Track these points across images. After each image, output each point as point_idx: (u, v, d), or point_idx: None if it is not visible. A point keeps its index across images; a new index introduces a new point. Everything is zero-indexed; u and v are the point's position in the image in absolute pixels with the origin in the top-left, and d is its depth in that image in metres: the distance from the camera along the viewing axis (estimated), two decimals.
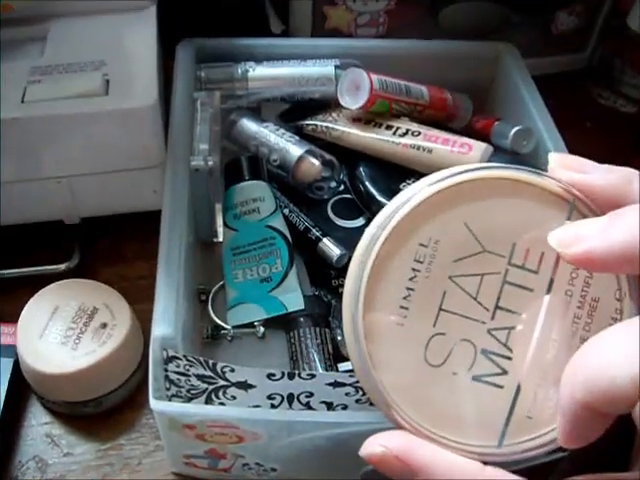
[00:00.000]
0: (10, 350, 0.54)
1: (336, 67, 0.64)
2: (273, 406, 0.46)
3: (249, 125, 0.64)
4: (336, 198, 0.63)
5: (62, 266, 0.60)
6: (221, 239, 0.59)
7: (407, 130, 0.61)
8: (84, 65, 0.57)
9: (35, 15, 0.61)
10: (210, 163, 0.56)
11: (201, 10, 0.67)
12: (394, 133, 0.61)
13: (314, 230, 0.59)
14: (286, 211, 0.61)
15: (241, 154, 0.64)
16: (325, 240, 0.58)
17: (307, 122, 0.65)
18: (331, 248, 0.58)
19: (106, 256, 0.63)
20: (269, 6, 0.72)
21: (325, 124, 0.63)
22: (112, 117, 0.54)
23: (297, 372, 0.45)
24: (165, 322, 0.47)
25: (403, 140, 0.60)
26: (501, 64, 0.69)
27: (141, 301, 0.56)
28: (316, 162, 0.60)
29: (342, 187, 0.64)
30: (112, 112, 0.54)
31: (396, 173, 0.61)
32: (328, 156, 0.61)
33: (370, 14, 0.72)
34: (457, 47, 0.69)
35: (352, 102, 0.61)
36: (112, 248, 0.63)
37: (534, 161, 0.61)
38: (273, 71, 0.65)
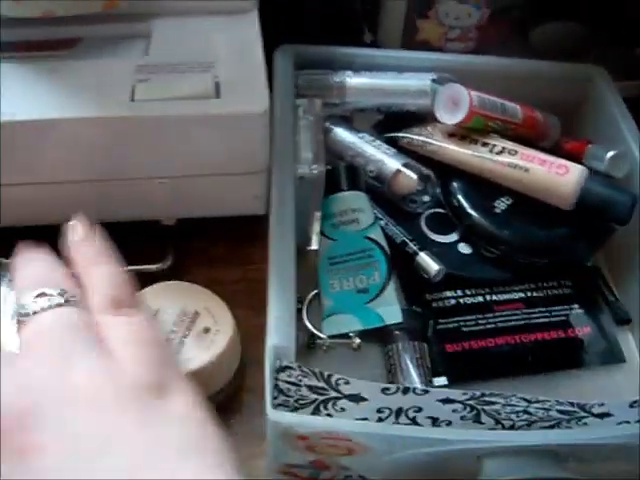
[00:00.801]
0: None
1: (433, 81, 0.63)
2: (380, 419, 0.45)
3: (344, 134, 0.63)
4: (430, 212, 0.62)
5: (155, 267, 0.59)
6: (315, 247, 0.58)
7: (503, 148, 0.60)
8: (192, 66, 0.56)
9: (138, 13, 0.60)
10: (315, 171, 0.55)
11: (296, 17, 0.66)
12: (490, 150, 0.60)
13: (411, 244, 0.58)
14: (382, 223, 0.60)
15: (335, 163, 0.63)
16: (422, 254, 0.57)
17: (402, 134, 0.64)
18: (428, 263, 0.57)
19: (199, 259, 0.62)
20: (361, 15, 0.71)
21: (420, 137, 0.63)
22: (222, 121, 0.53)
23: (412, 387, 0.44)
24: (280, 331, 0.46)
25: (500, 158, 0.59)
26: (592, 86, 0.68)
27: (235, 306, 0.55)
28: (413, 175, 0.59)
29: (436, 201, 0.62)
30: (223, 116, 0.53)
31: (489, 189, 0.60)
32: (425, 170, 0.60)
33: (461, 29, 0.71)
34: (549, 67, 0.68)
35: (449, 117, 0.60)
36: (205, 251, 0.62)
37: (629, 184, 0.60)
38: (370, 81, 0.64)
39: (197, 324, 0.52)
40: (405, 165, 0.59)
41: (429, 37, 0.71)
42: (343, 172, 0.60)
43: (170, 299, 0.53)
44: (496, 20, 0.70)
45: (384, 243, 0.57)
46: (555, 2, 0.70)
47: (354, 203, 0.58)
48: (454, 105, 0.60)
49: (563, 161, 0.58)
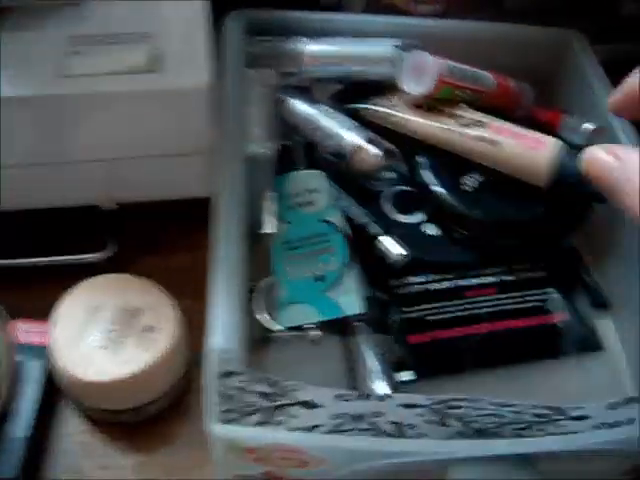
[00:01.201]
0: (40, 351, 0.48)
1: (397, 47, 0.58)
2: (337, 426, 0.41)
3: (300, 106, 0.58)
4: (394, 190, 0.57)
5: (97, 255, 0.54)
6: (269, 230, 0.53)
7: (472, 120, 0.54)
8: (128, 37, 0.50)
9: None
10: (267, 150, 0.50)
11: None
12: (458, 122, 0.54)
13: (372, 226, 0.53)
14: (342, 204, 0.55)
15: (290, 137, 0.57)
16: (383, 238, 0.52)
17: (363, 105, 0.59)
18: (389, 247, 0.52)
19: (144, 245, 0.57)
20: None
21: (383, 109, 0.57)
22: (161, 97, 0.48)
23: (369, 394, 0.40)
24: (223, 332, 0.42)
25: (468, 131, 0.54)
26: (569, 52, 0.63)
27: (185, 296, 0.51)
28: (376, 151, 0.54)
29: (401, 178, 0.57)
30: (161, 92, 0.48)
31: (459, 165, 0.55)
32: (388, 145, 0.55)
33: None
34: (522, 32, 0.63)
35: (415, 87, 0.55)
36: (151, 236, 0.57)
37: None
38: (328, 48, 0.58)
39: (138, 322, 0.47)
40: (367, 140, 0.54)
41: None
42: (299, 149, 0.54)
43: (109, 294, 0.48)
44: None
45: (343, 226, 0.52)
46: None
47: (310, 183, 0.53)
48: (420, 74, 0.55)
49: (538, 135, 0.53)
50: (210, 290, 0.43)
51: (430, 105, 0.56)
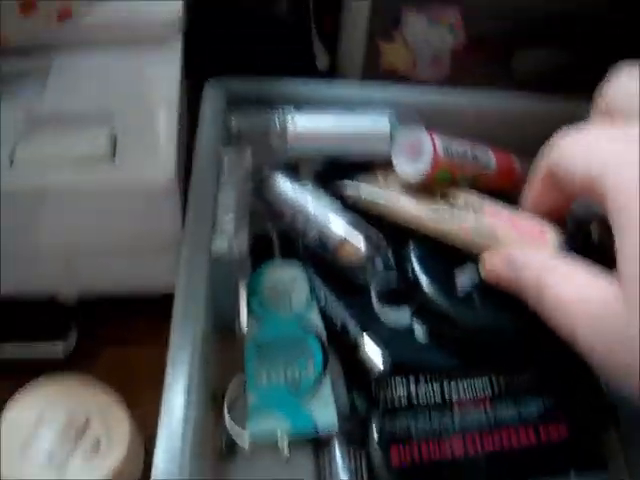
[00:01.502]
0: None
1: (391, 123, 0.53)
2: None
3: (284, 186, 0.53)
4: (380, 283, 0.52)
5: (57, 347, 0.50)
6: (239, 331, 0.48)
7: (468, 206, 0.49)
8: (89, 115, 0.46)
9: (37, 45, 0.50)
10: (236, 247, 0.45)
11: (236, 42, 0.55)
12: (452, 208, 0.49)
13: (352, 328, 0.48)
14: (322, 299, 0.50)
15: (272, 218, 0.53)
16: (365, 342, 0.47)
17: (350, 185, 0.54)
18: (371, 354, 0.47)
19: (108, 339, 0.52)
20: (316, 39, 0.60)
21: (371, 191, 0.52)
22: (120, 193, 0.43)
23: None
24: (167, 458, 0.37)
25: (464, 220, 0.48)
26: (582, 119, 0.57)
27: (146, 396, 0.46)
28: (362, 245, 0.49)
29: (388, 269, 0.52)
30: (117, 187, 0.43)
31: (453, 256, 0.50)
32: (377, 236, 0.50)
33: (433, 55, 0.60)
34: (532, 102, 0.58)
35: (410, 170, 0.50)
36: (116, 330, 0.53)
37: None
38: (317, 124, 0.53)
39: (87, 435, 0.42)
40: (353, 230, 0.49)
41: (395, 63, 0.61)
42: (276, 238, 0.50)
43: (58, 400, 0.44)
44: (474, 45, 0.59)
45: (321, 328, 0.48)
46: (540, 26, 0.58)
47: (286, 277, 0.49)
48: (415, 154, 0.50)
49: (538, 224, 0.47)
50: (162, 402, 0.39)
51: (423, 186, 0.51)
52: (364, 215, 0.52)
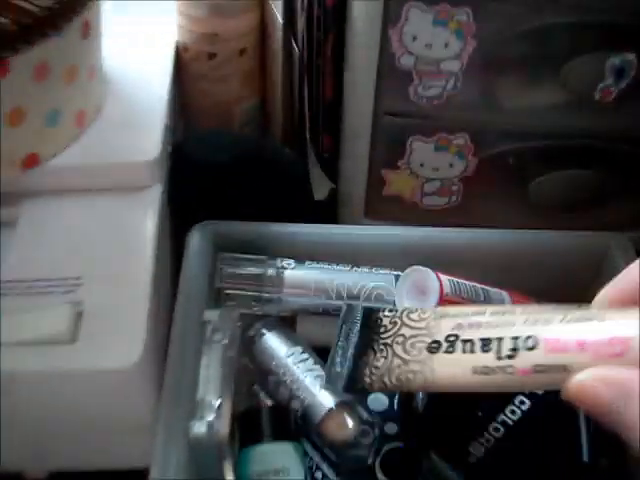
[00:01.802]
0: None
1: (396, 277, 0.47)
2: None
3: (274, 345, 0.48)
4: (387, 450, 0.46)
5: None
6: None
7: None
8: (54, 283, 0.41)
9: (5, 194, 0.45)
10: (218, 430, 0.39)
11: (226, 181, 0.50)
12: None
13: None
14: (318, 476, 0.44)
15: (260, 380, 0.47)
16: None
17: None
18: None
19: None
20: (314, 167, 0.55)
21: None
22: (80, 375, 0.38)
23: None
24: None
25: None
26: (609, 260, 0.52)
27: None
28: (349, 422, 0.43)
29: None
30: (79, 370, 0.38)
31: (467, 422, 0.44)
32: (367, 414, 0.44)
33: (441, 181, 0.55)
34: (552, 240, 0.52)
35: None
36: None
37: None
38: (314, 274, 0.48)
39: None
40: (340, 404, 0.43)
41: (400, 191, 0.55)
42: (266, 415, 0.44)
43: None
44: (486, 169, 0.54)
45: None
46: (561, 148, 0.53)
47: (277, 461, 0.43)
48: (422, 295, 0.45)
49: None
50: None
51: None
52: None
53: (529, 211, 0.56)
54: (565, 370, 0.28)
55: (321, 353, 0.46)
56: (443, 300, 0.45)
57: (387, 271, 0.49)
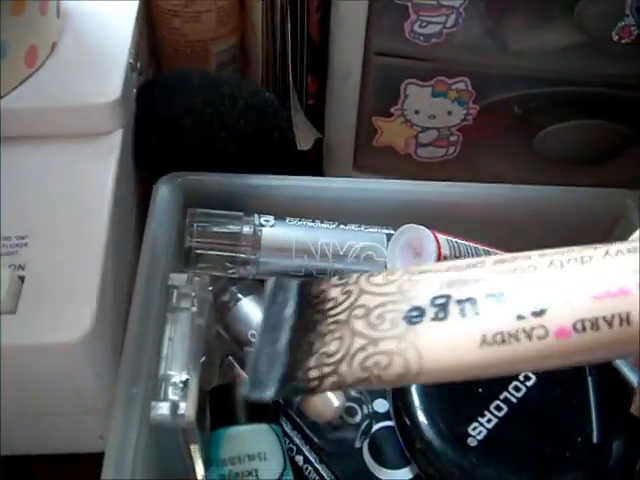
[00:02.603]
0: None
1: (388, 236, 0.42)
2: None
3: (251, 312, 0.42)
4: (375, 431, 0.41)
5: None
6: None
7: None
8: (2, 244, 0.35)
9: None
10: (182, 411, 0.34)
11: (196, 127, 0.44)
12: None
13: None
14: (299, 459, 0.39)
15: (235, 350, 0.42)
16: None
17: None
18: None
19: None
20: (298, 113, 0.49)
21: None
22: (21, 352, 0.32)
23: None
24: None
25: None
26: (621, 218, 0.46)
27: None
28: (334, 399, 0.38)
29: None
30: (20, 346, 0.32)
31: (468, 402, 0.39)
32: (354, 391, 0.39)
33: (438, 131, 0.49)
34: (560, 196, 0.46)
35: None
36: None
37: None
38: (298, 231, 0.42)
39: None
40: None
41: (393, 141, 0.50)
42: (239, 392, 0.39)
43: None
44: (488, 118, 0.48)
45: None
46: (573, 95, 0.47)
47: (252, 445, 0.38)
48: (416, 256, 0.40)
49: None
50: None
51: None
52: None
53: (536, 165, 0.50)
54: (627, 321, 0.19)
55: None
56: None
57: (377, 229, 0.43)
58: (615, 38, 0.45)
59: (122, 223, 0.40)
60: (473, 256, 0.41)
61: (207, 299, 0.39)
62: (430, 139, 0.49)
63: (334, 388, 0.23)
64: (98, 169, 0.39)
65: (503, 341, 0.20)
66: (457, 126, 0.49)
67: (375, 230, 0.43)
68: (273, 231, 0.42)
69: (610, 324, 0.19)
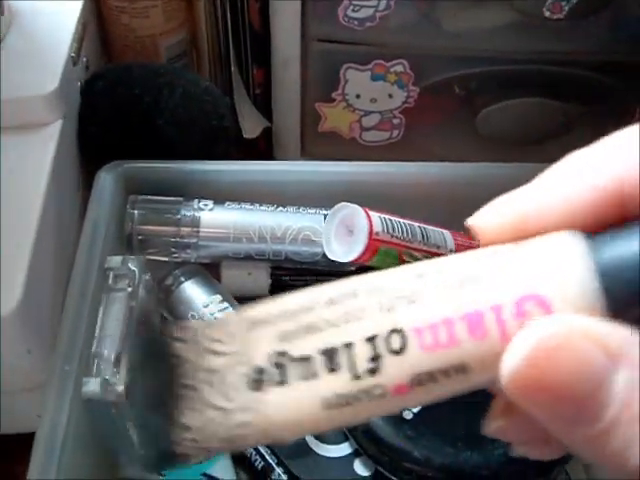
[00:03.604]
0: None
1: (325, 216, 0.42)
2: None
3: (193, 294, 0.43)
4: None
5: None
6: None
7: None
8: None
9: None
10: (114, 387, 0.35)
11: (139, 117, 0.45)
12: None
13: (277, 471, 0.38)
14: None
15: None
16: None
17: None
18: None
19: None
20: (244, 103, 0.50)
21: None
22: None
23: None
24: None
25: None
26: None
27: None
28: None
29: None
30: None
31: None
32: None
33: (380, 114, 0.49)
34: (504, 172, 0.46)
35: (343, 252, 0.39)
36: None
37: None
38: (236, 215, 0.43)
39: None
40: None
41: (337, 126, 0.50)
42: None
43: None
44: (429, 100, 0.49)
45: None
46: (511, 74, 0.48)
47: None
48: (349, 233, 0.40)
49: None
50: None
51: None
52: None
53: (479, 146, 0.51)
54: (463, 371, 0.18)
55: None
56: (373, 240, 0.39)
57: (316, 210, 0.43)
58: (547, 14, 0.45)
59: (61, 209, 0.40)
60: (407, 234, 0.41)
61: (143, 281, 0.40)
62: (373, 123, 0.50)
63: (207, 458, 0.21)
64: (35, 158, 0.40)
65: (345, 404, 0.19)
66: (399, 109, 0.49)
67: (313, 211, 0.43)
68: (212, 215, 0.43)
69: (450, 373, 0.18)
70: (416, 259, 0.41)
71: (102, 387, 0.35)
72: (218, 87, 0.49)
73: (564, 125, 0.51)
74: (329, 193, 0.44)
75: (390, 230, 0.40)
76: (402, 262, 0.40)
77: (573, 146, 0.46)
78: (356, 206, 0.40)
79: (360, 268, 0.37)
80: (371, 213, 0.40)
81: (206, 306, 0.41)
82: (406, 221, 0.42)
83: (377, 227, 0.39)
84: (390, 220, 0.41)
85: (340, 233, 0.41)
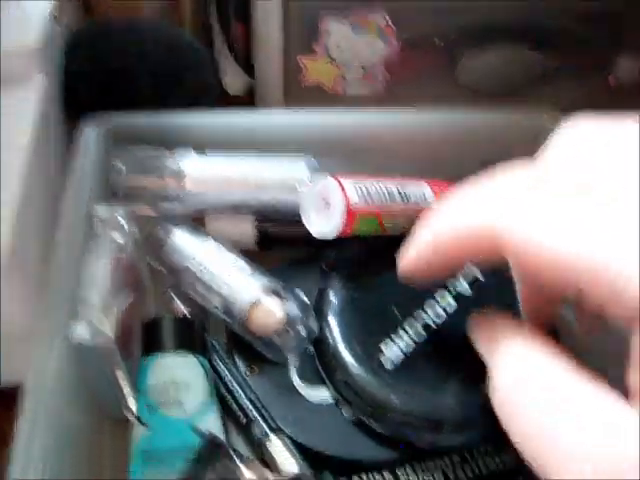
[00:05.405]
0: None
1: (309, 167, 0.42)
2: None
3: (186, 242, 0.43)
4: (300, 356, 0.41)
5: None
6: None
7: None
8: None
9: None
10: (102, 332, 0.35)
11: (125, 69, 0.44)
12: None
13: (262, 426, 0.38)
14: (226, 388, 0.40)
15: (171, 282, 0.42)
16: (273, 443, 0.37)
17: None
18: (280, 458, 0.36)
19: None
20: (226, 59, 0.49)
21: None
22: None
23: None
24: None
25: None
26: (544, 138, 0.46)
27: None
28: (279, 310, 0.38)
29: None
30: None
31: (385, 317, 0.39)
32: (299, 297, 0.39)
33: (363, 67, 0.49)
34: (484, 119, 0.46)
35: (322, 226, 0.39)
36: None
37: None
38: (220, 168, 0.43)
39: None
40: (267, 292, 0.39)
41: (320, 80, 0.50)
42: (168, 325, 0.39)
43: None
44: (411, 52, 0.48)
45: (220, 435, 0.37)
46: (489, 24, 0.47)
47: (178, 374, 0.38)
48: (326, 205, 0.40)
49: None
50: None
51: None
52: None
53: (462, 96, 0.51)
54: None
55: None
56: (352, 212, 0.39)
57: (299, 158, 0.43)
58: None
59: (46, 161, 0.40)
60: (386, 199, 0.40)
61: (130, 232, 0.39)
62: (356, 76, 0.50)
63: None
64: (17, 112, 0.39)
65: None
66: (381, 62, 0.49)
67: (296, 159, 0.43)
68: (196, 165, 0.42)
69: None
70: (397, 224, 0.41)
71: (91, 332, 0.35)
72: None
73: (542, 76, 0.50)
74: (312, 140, 0.44)
75: (367, 199, 0.39)
76: (383, 229, 0.40)
77: (551, 96, 0.46)
78: (331, 178, 0.39)
79: None
80: (346, 184, 0.39)
81: (203, 252, 0.41)
82: (383, 183, 0.41)
83: (353, 198, 0.39)
84: (366, 188, 0.40)
85: (319, 207, 0.40)
